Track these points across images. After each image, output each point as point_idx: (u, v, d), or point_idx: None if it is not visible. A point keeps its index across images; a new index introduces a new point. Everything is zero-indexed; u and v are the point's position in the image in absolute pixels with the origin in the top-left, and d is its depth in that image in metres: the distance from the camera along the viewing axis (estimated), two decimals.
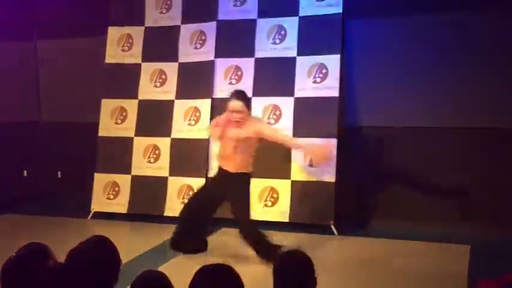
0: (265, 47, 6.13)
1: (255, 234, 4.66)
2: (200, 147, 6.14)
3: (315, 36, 5.95)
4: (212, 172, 6.00)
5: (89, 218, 6.41)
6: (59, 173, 7.56)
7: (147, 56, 6.57)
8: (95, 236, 2.49)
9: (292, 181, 5.81)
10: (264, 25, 6.16)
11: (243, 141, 4.67)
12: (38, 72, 7.65)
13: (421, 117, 5.88)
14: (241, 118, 4.63)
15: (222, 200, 4.81)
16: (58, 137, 7.53)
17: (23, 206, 7.05)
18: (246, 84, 6.10)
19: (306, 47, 5.97)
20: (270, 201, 5.85)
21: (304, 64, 5.95)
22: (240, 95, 4.73)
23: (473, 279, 4.21)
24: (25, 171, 7.73)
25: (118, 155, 6.49)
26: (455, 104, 5.75)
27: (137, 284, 2.22)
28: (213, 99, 6.19)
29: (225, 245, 4.95)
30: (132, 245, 5.27)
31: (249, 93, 6.06)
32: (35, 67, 7.64)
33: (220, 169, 4.86)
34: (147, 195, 6.25)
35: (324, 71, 5.87)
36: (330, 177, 5.67)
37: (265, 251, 4.53)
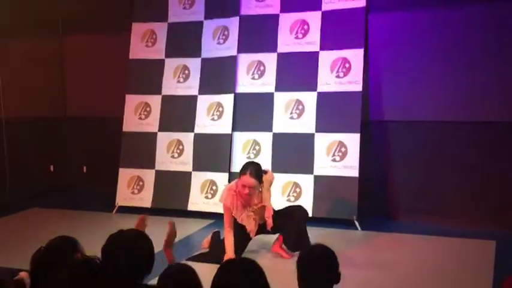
0: (288, 42, 6.11)
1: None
2: (223, 142, 6.16)
3: (338, 30, 5.91)
4: (234, 167, 6.06)
5: (113, 212, 6.49)
6: (85, 167, 7.66)
7: (171, 52, 6.61)
8: (132, 230, 2.54)
9: (315, 176, 5.80)
10: (287, 19, 6.15)
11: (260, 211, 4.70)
12: (63, 68, 7.75)
13: (447, 111, 5.78)
14: (253, 193, 4.59)
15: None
16: (83, 132, 7.62)
17: (49, 200, 7.17)
18: (269, 79, 6.12)
19: (329, 42, 5.94)
20: (292, 196, 5.85)
21: (327, 58, 5.92)
22: (257, 173, 4.55)
23: (499, 276, 4.16)
24: (51, 166, 7.86)
25: (142, 150, 6.55)
26: (483, 97, 5.63)
27: (165, 276, 2.26)
28: (235, 94, 6.22)
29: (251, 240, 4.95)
30: (157, 239, 5.27)
31: (272, 88, 6.13)
32: (60, 63, 7.74)
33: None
34: (171, 190, 6.31)
35: (347, 65, 5.84)
36: (353, 172, 5.66)
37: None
